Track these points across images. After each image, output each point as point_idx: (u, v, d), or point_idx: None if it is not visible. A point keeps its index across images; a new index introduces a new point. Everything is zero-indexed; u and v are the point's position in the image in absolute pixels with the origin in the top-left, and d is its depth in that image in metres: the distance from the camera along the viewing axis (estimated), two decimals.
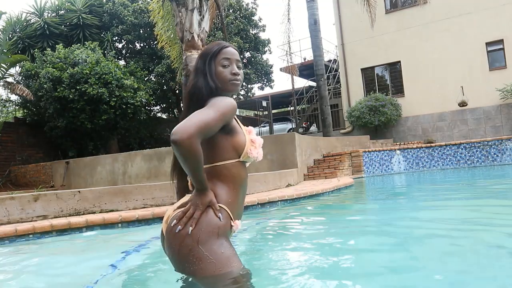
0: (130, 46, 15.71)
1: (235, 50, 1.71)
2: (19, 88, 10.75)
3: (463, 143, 10.52)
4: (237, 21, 15.49)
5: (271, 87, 18.53)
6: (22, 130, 12.30)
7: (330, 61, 19.76)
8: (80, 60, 10.94)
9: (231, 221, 1.52)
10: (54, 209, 4.37)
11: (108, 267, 2.21)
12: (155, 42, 14.37)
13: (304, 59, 20.63)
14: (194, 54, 7.12)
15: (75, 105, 10.69)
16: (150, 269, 2.22)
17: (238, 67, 1.70)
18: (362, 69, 16.00)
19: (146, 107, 14.89)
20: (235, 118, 1.62)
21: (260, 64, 16.71)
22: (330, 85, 18.49)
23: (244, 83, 17.21)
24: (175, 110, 16.90)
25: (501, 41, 13.47)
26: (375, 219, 4.00)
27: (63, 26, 13.88)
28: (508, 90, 12.87)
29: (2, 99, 14.71)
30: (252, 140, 1.61)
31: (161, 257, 1.90)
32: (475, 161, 10.29)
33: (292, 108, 21.90)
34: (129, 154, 9.68)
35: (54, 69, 10.80)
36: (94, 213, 4.50)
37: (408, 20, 14.99)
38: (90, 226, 3.82)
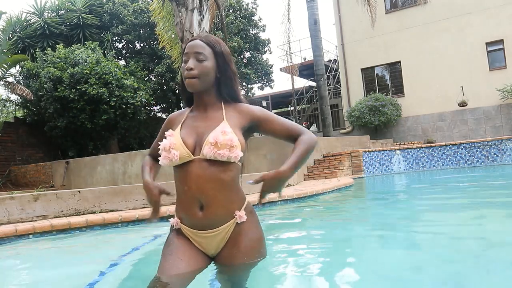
0: (130, 46, 15.72)
1: (198, 41, 1.61)
2: (19, 88, 10.75)
3: (463, 143, 10.51)
4: (237, 21, 15.49)
5: (271, 87, 18.54)
6: (22, 130, 12.30)
7: (330, 61, 19.76)
8: (80, 60, 10.94)
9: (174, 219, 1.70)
10: (54, 209, 4.37)
11: (108, 267, 2.21)
12: (155, 42, 14.39)
13: (304, 59, 20.63)
14: None
15: (75, 105, 10.69)
16: (150, 268, 2.21)
17: (199, 60, 1.58)
18: (362, 69, 15.99)
19: (146, 107, 14.89)
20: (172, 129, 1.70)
21: (260, 64, 16.72)
22: (330, 85, 18.50)
23: (244, 83, 17.19)
24: (175, 110, 16.90)
25: (501, 41, 13.47)
26: (375, 219, 4.00)
27: (63, 26, 13.88)
28: (508, 90, 12.87)
29: (2, 99, 14.71)
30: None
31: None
32: (475, 161, 10.28)
33: (292, 108, 21.90)
34: (129, 154, 9.67)
35: (55, 69, 10.81)
36: (94, 213, 4.50)
37: (408, 20, 14.99)
38: (90, 226, 3.82)
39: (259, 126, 1.68)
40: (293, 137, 1.68)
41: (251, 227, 1.65)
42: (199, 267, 1.61)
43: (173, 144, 1.57)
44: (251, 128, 1.69)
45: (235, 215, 1.61)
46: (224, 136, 1.52)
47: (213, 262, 1.69)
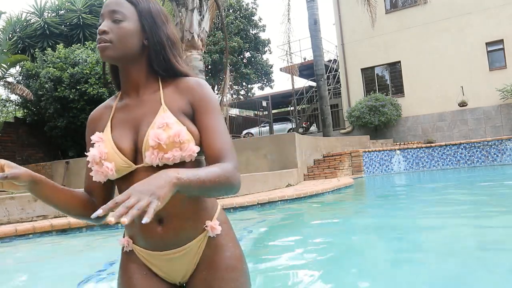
0: None
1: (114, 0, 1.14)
2: (19, 88, 10.76)
3: (463, 143, 10.51)
4: (237, 21, 15.50)
5: (271, 87, 18.56)
6: (22, 130, 12.30)
7: (330, 61, 19.76)
8: (80, 60, 10.95)
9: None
10: (54, 209, 4.37)
11: (107, 266, 2.21)
12: None
13: (304, 59, 20.64)
14: (194, 54, 7.13)
15: (75, 105, 10.70)
16: None
17: (115, 20, 1.12)
18: (362, 69, 16.00)
19: None
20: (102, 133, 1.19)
21: (260, 64, 16.72)
22: (330, 85, 18.50)
23: (244, 83, 17.19)
24: None
25: (501, 41, 13.47)
26: (374, 219, 4.00)
27: (63, 26, 13.88)
28: (508, 90, 12.87)
29: (2, 99, 14.72)
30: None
31: None
32: (475, 161, 10.28)
33: (292, 108, 21.90)
34: None
35: (55, 69, 10.82)
36: None
37: (408, 20, 15.00)
38: (90, 226, 3.82)
39: (193, 114, 1.14)
40: (216, 156, 1.09)
41: (228, 241, 1.21)
42: None
43: (103, 153, 1.12)
44: (191, 115, 1.15)
45: (206, 226, 1.15)
46: (167, 131, 1.07)
47: None
